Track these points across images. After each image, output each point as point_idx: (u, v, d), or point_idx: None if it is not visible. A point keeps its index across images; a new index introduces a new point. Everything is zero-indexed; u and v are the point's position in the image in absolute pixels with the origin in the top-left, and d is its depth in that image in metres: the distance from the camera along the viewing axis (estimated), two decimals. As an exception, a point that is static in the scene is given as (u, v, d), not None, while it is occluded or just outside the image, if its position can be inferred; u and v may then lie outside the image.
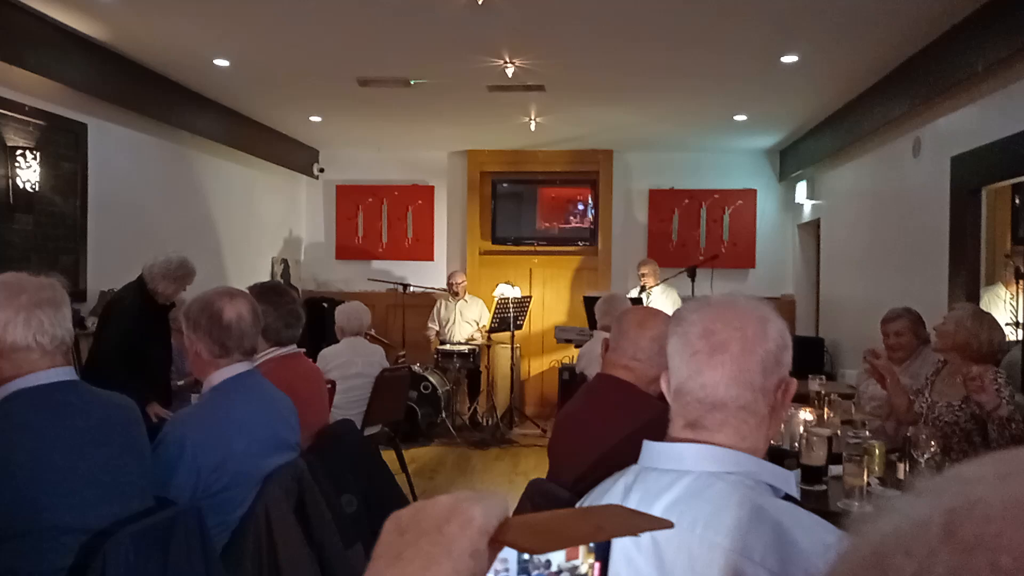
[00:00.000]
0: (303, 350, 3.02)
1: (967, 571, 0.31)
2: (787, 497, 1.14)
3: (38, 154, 4.42)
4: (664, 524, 0.66)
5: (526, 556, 0.62)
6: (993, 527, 0.32)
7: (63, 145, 4.73)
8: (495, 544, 0.59)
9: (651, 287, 6.74)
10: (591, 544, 0.65)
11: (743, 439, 1.15)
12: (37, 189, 4.43)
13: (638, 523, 0.67)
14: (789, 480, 1.17)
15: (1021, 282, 4.30)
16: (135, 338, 3.91)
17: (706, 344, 1.15)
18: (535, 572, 0.63)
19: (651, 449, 1.20)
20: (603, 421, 1.94)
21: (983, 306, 4.35)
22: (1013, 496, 0.33)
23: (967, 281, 4.34)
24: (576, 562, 0.65)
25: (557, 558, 0.64)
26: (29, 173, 4.36)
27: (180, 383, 4.29)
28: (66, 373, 1.74)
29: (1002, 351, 3.21)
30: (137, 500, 1.79)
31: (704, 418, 1.16)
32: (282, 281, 7.37)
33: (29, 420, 1.66)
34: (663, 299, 6.64)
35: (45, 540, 1.61)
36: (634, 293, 6.70)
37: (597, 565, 0.66)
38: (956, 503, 0.34)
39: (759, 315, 1.18)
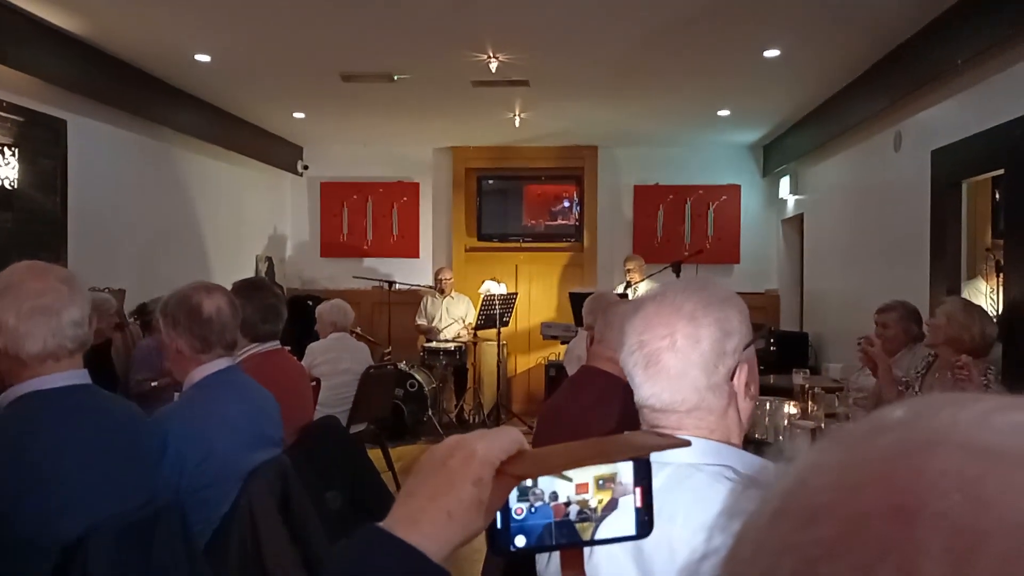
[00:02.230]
0: (287, 348, 3.01)
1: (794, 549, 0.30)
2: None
3: (17, 150, 4.37)
4: (680, 443, 0.66)
5: (529, 482, 0.63)
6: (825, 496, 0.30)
7: (43, 141, 4.67)
8: (504, 476, 0.62)
9: (637, 283, 6.76)
10: (631, 472, 0.65)
11: (711, 432, 1.15)
12: (16, 186, 4.38)
13: (649, 444, 0.67)
14: (769, 470, 1.17)
15: (1001, 276, 4.34)
16: None
17: (641, 356, 1.15)
18: (538, 503, 0.64)
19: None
20: (586, 412, 1.95)
21: (964, 299, 4.39)
22: (854, 460, 0.31)
23: (948, 274, 4.38)
24: (586, 495, 0.65)
25: (567, 490, 0.64)
26: (8, 170, 4.31)
27: (154, 383, 4.03)
28: (80, 376, 1.69)
29: (992, 344, 3.20)
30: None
31: (660, 420, 1.17)
32: (266, 279, 7.32)
33: (40, 427, 1.60)
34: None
35: (40, 551, 1.55)
36: (620, 289, 6.72)
37: (639, 490, 0.65)
38: (801, 473, 0.32)
39: (688, 312, 1.14)
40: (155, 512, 1.76)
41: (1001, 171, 3.95)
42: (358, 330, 5.50)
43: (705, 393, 1.13)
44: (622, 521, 0.66)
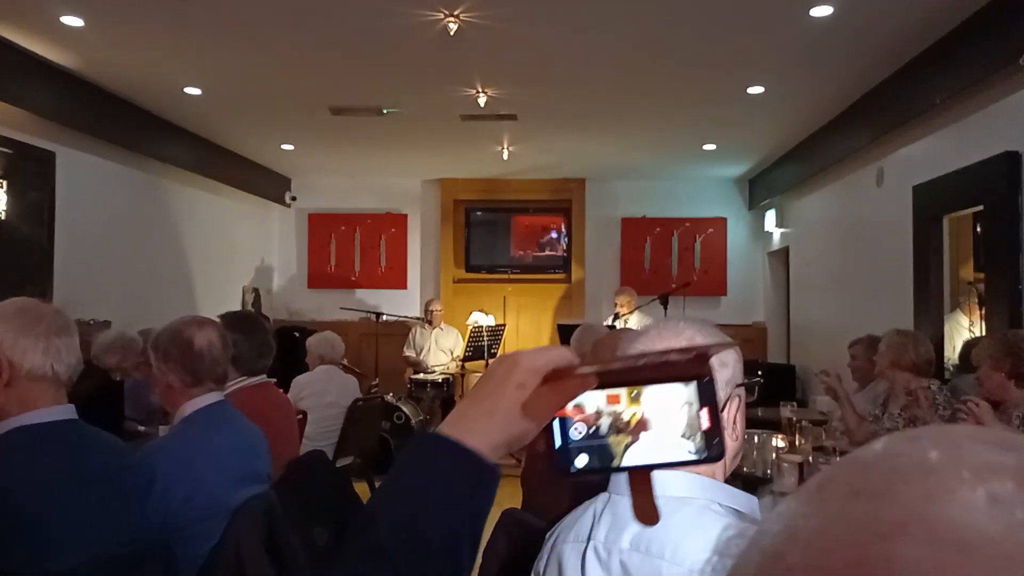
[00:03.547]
0: (273, 380, 3.00)
1: None
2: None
3: (4, 183, 4.37)
4: (728, 344, 0.75)
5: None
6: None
7: (31, 174, 4.67)
8: (553, 384, 0.63)
9: (626, 315, 6.78)
10: (696, 394, 0.60)
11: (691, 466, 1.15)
12: (3, 218, 4.37)
13: (696, 350, 0.61)
14: (753, 504, 1.18)
15: (983, 308, 4.39)
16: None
17: None
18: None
19: (620, 476, 1.21)
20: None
21: (946, 333, 4.46)
22: (822, 530, 0.31)
23: (931, 307, 4.43)
24: (617, 407, 0.61)
25: (597, 400, 0.61)
26: (-5, 202, 4.31)
27: (142, 428, 3.78)
28: (68, 411, 1.68)
29: (932, 362, 3.46)
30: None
31: None
32: (253, 310, 7.29)
33: (30, 464, 1.58)
34: (638, 327, 6.67)
35: None
36: (608, 321, 6.73)
37: (706, 410, 0.60)
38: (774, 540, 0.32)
39: (688, 336, 1.18)
40: (141, 549, 1.74)
41: (980, 207, 4.02)
42: (345, 362, 5.48)
43: None
44: (682, 444, 0.61)
